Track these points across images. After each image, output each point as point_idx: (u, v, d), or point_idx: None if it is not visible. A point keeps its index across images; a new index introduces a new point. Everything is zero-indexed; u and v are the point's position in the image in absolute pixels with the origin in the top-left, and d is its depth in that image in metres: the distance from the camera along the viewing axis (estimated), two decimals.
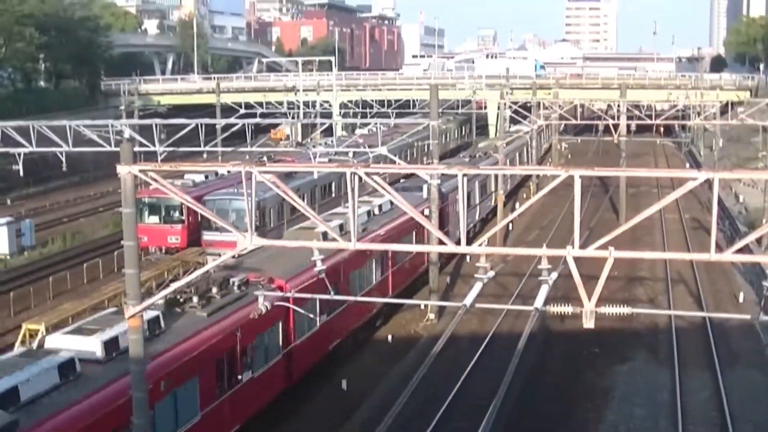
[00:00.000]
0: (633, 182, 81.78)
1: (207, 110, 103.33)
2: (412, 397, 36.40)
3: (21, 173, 62.31)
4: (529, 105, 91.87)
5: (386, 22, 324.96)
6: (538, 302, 25.19)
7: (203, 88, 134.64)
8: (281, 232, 53.66)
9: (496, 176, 68.95)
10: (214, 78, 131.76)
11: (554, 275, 24.73)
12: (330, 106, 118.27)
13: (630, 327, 44.57)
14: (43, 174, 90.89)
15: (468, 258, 56.87)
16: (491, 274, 25.43)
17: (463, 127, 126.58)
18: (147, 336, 25.38)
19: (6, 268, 58.86)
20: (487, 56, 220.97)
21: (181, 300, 31.26)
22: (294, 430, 34.08)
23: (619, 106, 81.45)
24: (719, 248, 19.87)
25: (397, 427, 33.78)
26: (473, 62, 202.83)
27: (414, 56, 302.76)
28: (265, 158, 68.32)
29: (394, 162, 58.93)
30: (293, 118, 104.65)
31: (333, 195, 68.63)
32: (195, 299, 31.27)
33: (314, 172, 60.61)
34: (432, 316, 48.09)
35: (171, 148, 60.12)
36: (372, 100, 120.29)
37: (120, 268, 47.08)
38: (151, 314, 27.79)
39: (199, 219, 58.18)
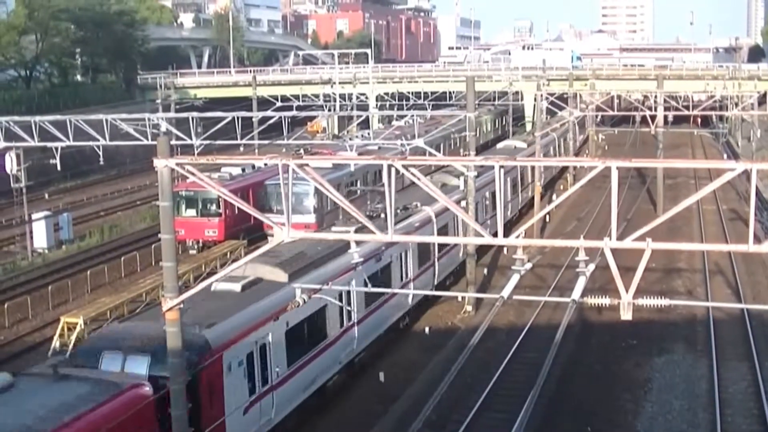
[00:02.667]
0: (670, 173, 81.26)
1: (243, 103, 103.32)
2: (449, 388, 36.54)
3: (58, 167, 62.65)
4: (565, 96, 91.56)
5: (422, 13, 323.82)
6: (576, 294, 25.10)
7: (239, 81, 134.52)
8: (337, 215, 54.12)
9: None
10: (251, 71, 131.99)
11: (591, 267, 24.68)
12: (366, 98, 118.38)
13: (667, 318, 44.40)
14: (81, 168, 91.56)
15: (505, 250, 56.76)
16: (528, 265, 25.47)
17: (502, 118, 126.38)
18: None
19: (44, 262, 59.10)
20: (524, 47, 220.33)
21: None
22: (332, 423, 34.09)
23: (656, 96, 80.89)
24: (757, 239, 19.79)
25: (436, 418, 33.86)
26: (509, 54, 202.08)
27: (450, 48, 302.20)
28: (302, 151, 68.34)
29: (432, 154, 58.93)
30: (330, 110, 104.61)
31: (382, 182, 68.83)
32: None
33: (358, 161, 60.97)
34: (469, 308, 47.96)
35: (207, 141, 60.32)
36: (408, 92, 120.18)
37: (157, 261, 47.32)
38: None
39: (236, 210, 58.35)
